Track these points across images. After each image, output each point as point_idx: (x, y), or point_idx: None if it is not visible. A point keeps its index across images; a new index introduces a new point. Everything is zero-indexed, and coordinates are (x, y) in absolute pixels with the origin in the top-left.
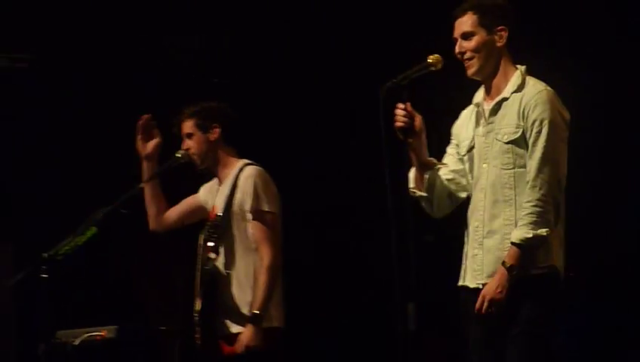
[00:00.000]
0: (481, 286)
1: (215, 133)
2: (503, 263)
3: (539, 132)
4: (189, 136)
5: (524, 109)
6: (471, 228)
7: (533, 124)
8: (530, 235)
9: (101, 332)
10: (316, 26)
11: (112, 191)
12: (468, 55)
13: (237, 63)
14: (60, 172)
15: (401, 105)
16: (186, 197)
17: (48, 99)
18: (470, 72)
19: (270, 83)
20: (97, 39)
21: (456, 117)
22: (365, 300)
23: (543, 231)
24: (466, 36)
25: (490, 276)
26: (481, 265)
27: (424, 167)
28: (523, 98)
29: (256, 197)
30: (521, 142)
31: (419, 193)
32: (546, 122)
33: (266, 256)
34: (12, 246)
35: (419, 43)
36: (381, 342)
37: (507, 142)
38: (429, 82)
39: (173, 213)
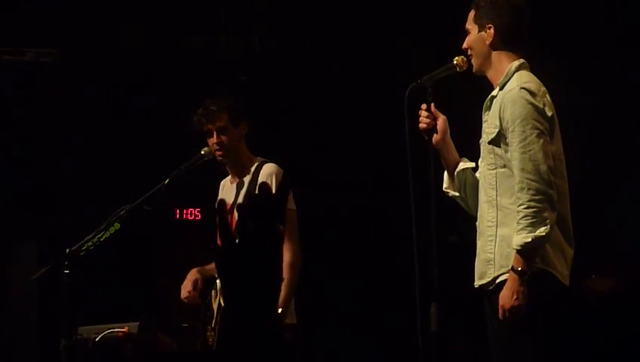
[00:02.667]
0: (477, 286)
1: (244, 129)
2: (513, 268)
3: (512, 132)
4: (223, 130)
5: (500, 110)
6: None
7: (507, 125)
8: (529, 239)
9: (123, 329)
10: (342, 28)
11: (136, 188)
12: (469, 52)
13: (263, 62)
14: (84, 168)
15: (424, 107)
16: (204, 191)
17: (72, 93)
18: (473, 68)
19: (295, 82)
20: (123, 35)
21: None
22: (388, 301)
23: (541, 232)
24: (467, 32)
25: (480, 278)
26: (476, 266)
27: (454, 167)
28: (501, 98)
29: None
30: (499, 142)
31: (452, 193)
32: (517, 121)
33: (288, 253)
34: (36, 241)
35: (445, 43)
36: (403, 343)
37: (489, 143)
38: (460, 81)
39: None
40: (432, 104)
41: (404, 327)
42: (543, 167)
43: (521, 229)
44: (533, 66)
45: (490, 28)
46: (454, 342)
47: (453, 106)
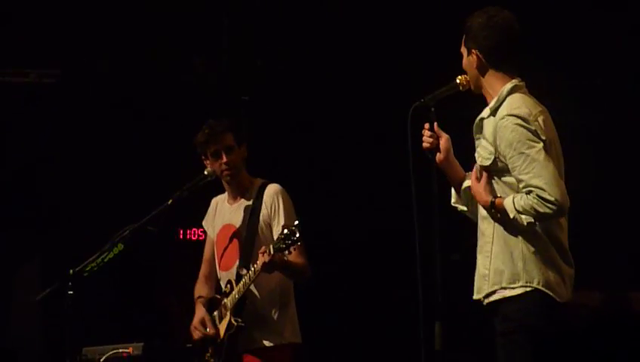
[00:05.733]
0: (475, 299)
1: (245, 151)
2: (492, 202)
3: (512, 158)
4: (230, 149)
5: (494, 138)
6: None
7: (505, 155)
8: (512, 215)
9: (127, 349)
10: (344, 48)
11: (140, 209)
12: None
13: (266, 82)
14: (87, 188)
15: (427, 126)
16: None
17: (75, 114)
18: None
19: (298, 103)
20: (125, 56)
21: None
22: (391, 320)
23: (529, 219)
24: (461, 56)
25: (477, 292)
26: (475, 280)
27: (459, 185)
28: (494, 124)
29: (286, 213)
30: (495, 167)
31: (460, 208)
32: (514, 145)
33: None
34: (39, 262)
35: (447, 63)
36: None
37: (484, 168)
38: (463, 99)
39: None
40: (435, 123)
41: (408, 347)
42: (553, 178)
43: (526, 210)
44: (532, 84)
45: (474, 52)
46: (459, 361)
47: (456, 125)
